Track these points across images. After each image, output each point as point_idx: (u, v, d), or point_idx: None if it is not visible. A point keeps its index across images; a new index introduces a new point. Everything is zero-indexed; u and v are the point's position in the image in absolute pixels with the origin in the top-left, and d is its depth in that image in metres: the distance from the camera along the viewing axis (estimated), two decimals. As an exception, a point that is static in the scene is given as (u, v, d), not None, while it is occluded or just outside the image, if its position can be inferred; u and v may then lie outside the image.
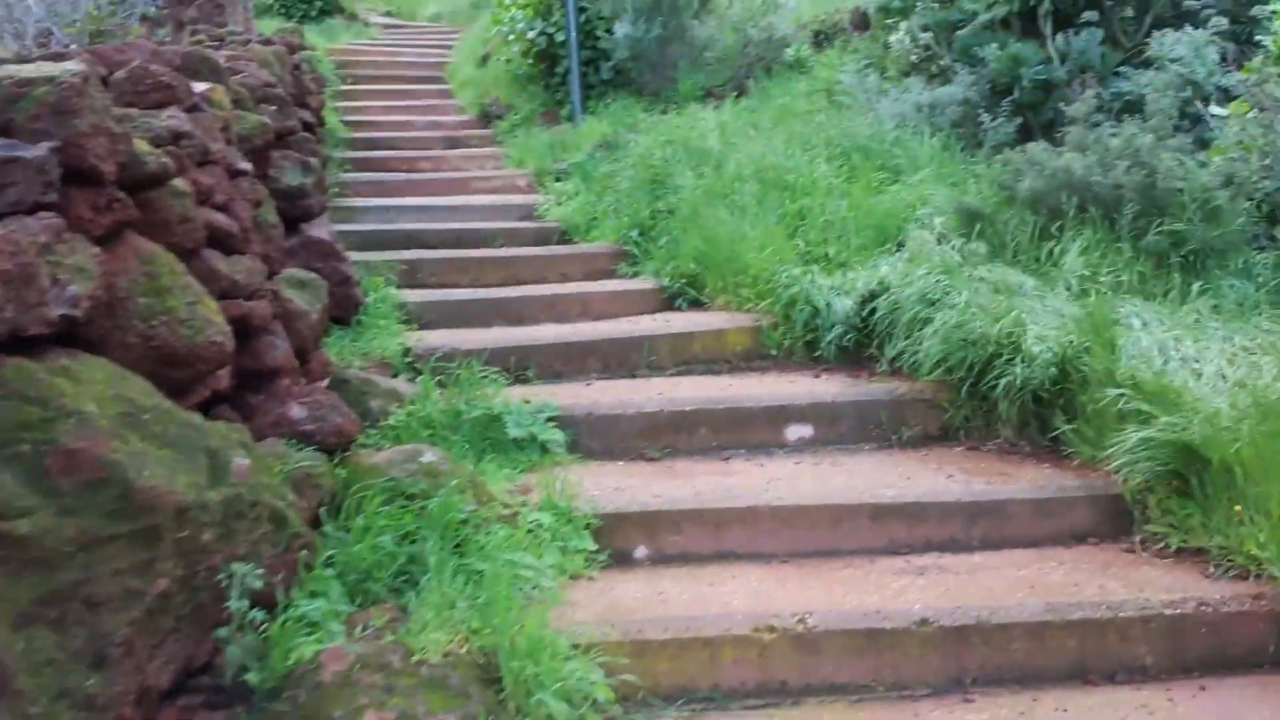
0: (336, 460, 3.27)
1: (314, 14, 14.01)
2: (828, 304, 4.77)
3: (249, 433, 3.00)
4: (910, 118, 6.80)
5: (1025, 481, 3.63)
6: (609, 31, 9.45)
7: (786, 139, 6.68)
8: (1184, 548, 3.25)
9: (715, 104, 8.63)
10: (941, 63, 7.38)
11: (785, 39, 9.07)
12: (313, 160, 4.83)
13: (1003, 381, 3.89)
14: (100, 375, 2.55)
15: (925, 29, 7.31)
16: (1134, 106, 5.89)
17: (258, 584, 2.66)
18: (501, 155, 9.51)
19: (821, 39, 9.42)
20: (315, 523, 3.11)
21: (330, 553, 3.03)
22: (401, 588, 3.04)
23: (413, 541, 3.08)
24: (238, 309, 3.30)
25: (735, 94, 8.70)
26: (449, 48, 13.43)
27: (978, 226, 5.18)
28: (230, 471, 2.63)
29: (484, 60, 11.88)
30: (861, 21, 9.40)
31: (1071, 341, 3.83)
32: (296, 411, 3.21)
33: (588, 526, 3.35)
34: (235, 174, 3.69)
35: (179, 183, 3.11)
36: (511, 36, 10.33)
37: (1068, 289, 4.53)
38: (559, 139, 9.21)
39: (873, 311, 4.58)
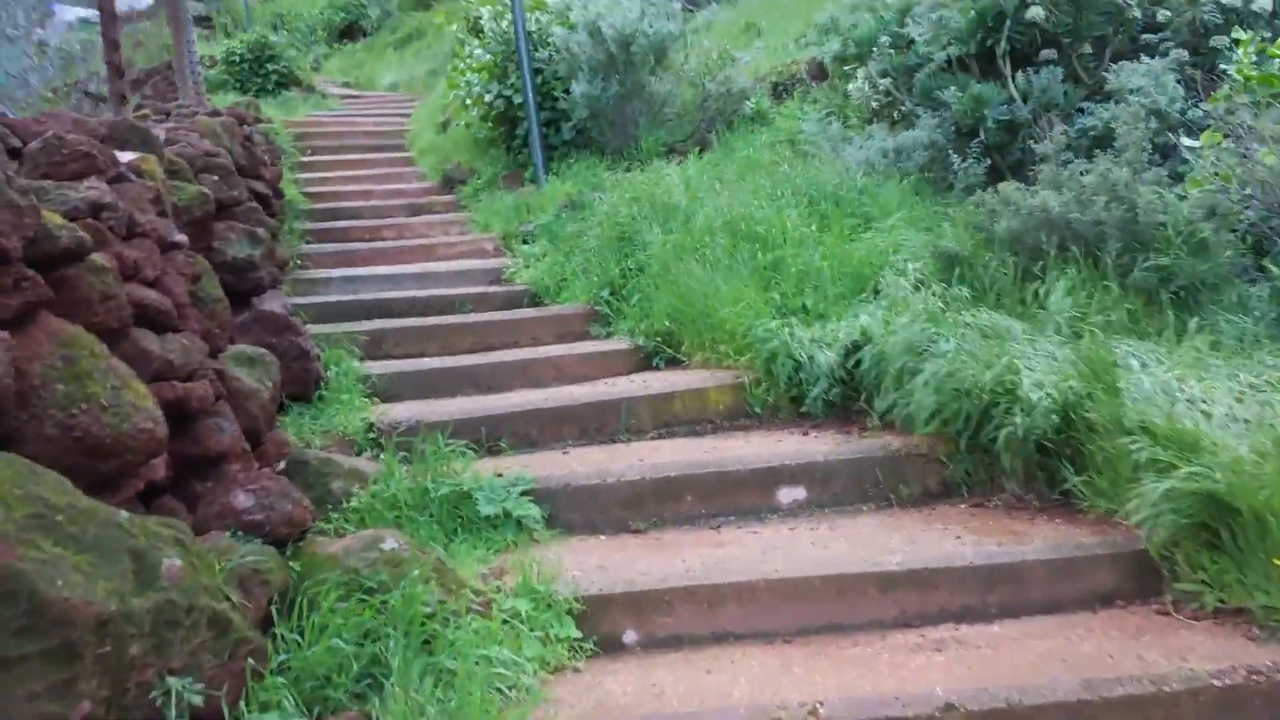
0: (289, 551, 2.91)
1: (270, 87, 13.79)
2: (810, 357, 4.49)
3: (189, 526, 2.65)
4: (877, 164, 6.62)
5: (1040, 540, 3.33)
6: (566, 92, 9.27)
7: (754, 191, 6.46)
8: (1222, 608, 2.95)
9: (679, 159, 8.44)
10: (903, 108, 7.23)
11: (744, 92, 8.92)
12: (261, 231, 4.52)
13: (1003, 433, 3.60)
14: (7, 473, 2.20)
15: (884, 74, 7.17)
16: (1102, 141, 5.73)
17: (198, 699, 2.32)
18: (466, 220, 9.25)
19: (781, 90, 9.28)
20: (265, 624, 2.75)
21: (283, 658, 2.67)
22: (365, 692, 2.68)
23: (375, 640, 2.73)
24: (172, 391, 2.96)
25: (698, 149, 8.52)
26: (407, 115, 13.25)
27: (957, 270, 4.95)
28: (160, 574, 2.28)
29: (444, 126, 11.69)
30: (819, 71, 9.30)
31: (1072, 387, 3.56)
32: (243, 500, 2.86)
33: (570, 611, 3.00)
34: (169, 247, 3.37)
35: (98, 258, 2.80)
36: (469, 101, 10.13)
37: (1057, 331, 4.29)
38: (524, 201, 8.97)
39: (858, 363, 4.30)
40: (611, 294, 6.26)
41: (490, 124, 10.19)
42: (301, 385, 4.60)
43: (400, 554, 2.83)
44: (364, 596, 2.71)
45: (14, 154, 3.25)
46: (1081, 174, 4.90)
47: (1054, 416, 3.57)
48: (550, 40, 9.45)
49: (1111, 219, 4.63)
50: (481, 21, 9.97)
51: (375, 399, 4.97)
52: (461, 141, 10.89)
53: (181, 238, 3.39)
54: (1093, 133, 5.79)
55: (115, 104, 6.29)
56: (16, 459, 2.27)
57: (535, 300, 6.99)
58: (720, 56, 9.11)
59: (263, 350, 3.82)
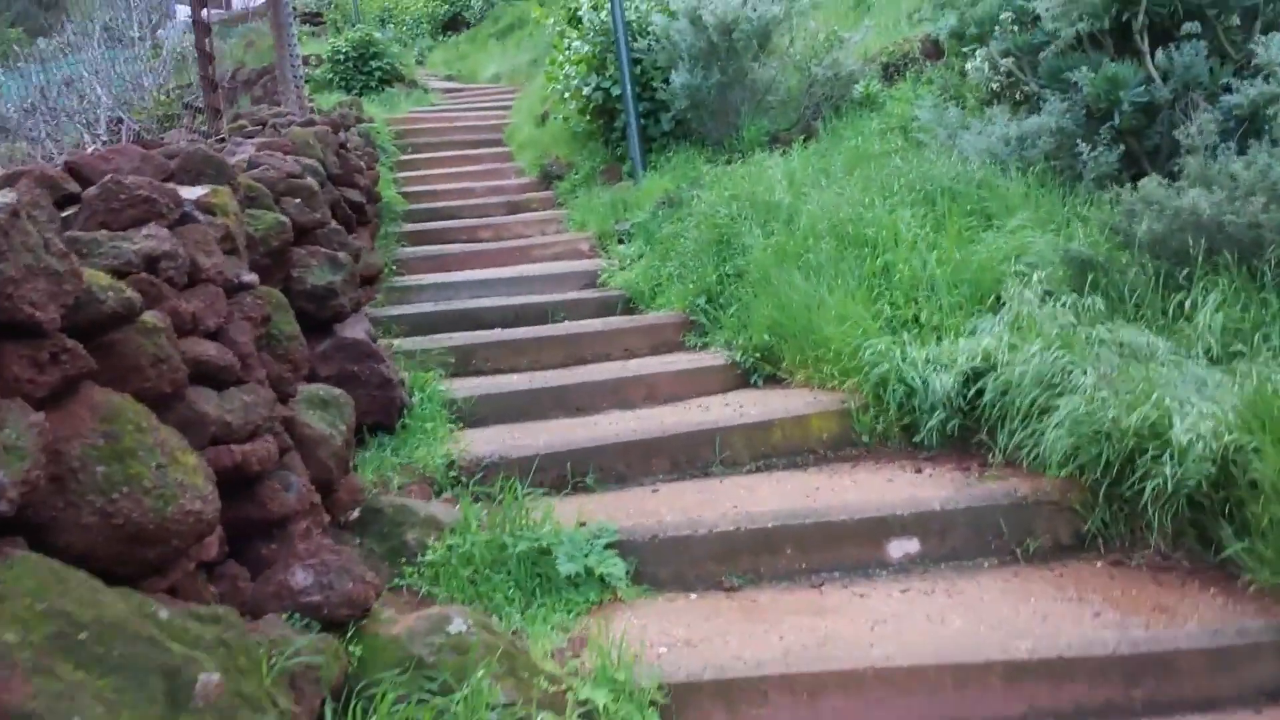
0: (351, 631, 2.69)
1: (374, 84, 13.81)
2: (924, 382, 4.07)
3: (238, 616, 2.45)
4: (998, 153, 6.07)
5: (1194, 622, 2.85)
6: (666, 82, 8.91)
7: (862, 186, 6.01)
8: None
9: (782, 150, 8.01)
10: (1026, 89, 6.64)
11: (853, 75, 8.41)
12: (343, 256, 4.33)
13: (1149, 484, 3.13)
14: (30, 583, 2.01)
15: (1006, 54, 6.58)
16: (1250, 122, 5.11)
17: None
18: (563, 218, 9.02)
19: (892, 71, 8.72)
20: (320, 725, 2.53)
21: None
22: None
23: (439, 744, 2.48)
24: (230, 457, 2.76)
25: (803, 137, 8.07)
26: (508, 108, 13.08)
27: (1090, 277, 4.43)
28: (194, 694, 2.07)
29: (543, 119, 11.47)
30: (934, 50, 8.69)
31: (1233, 438, 3.06)
32: (300, 578, 2.64)
33: (654, 703, 2.69)
34: (236, 289, 3.18)
35: (151, 317, 2.60)
36: (567, 94, 9.87)
37: (1207, 353, 3.76)
38: (621, 197, 8.68)
39: (979, 392, 3.86)
40: (708, 302, 5.92)
41: (588, 117, 9.92)
42: (384, 414, 4.41)
43: (467, 639, 2.58)
44: (425, 695, 2.46)
45: (72, 199, 3.11)
46: (1240, 167, 4.32)
47: (1208, 465, 3.09)
48: (650, 29, 9.09)
49: (1271, 221, 4.05)
50: (580, 12, 9.67)
51: (461, 424, 4.76)
52: (560, 135, 10.66)
53: (251, 278, 3.19)
54: (1238, 113, 5.15)
55: (210, 118, 6.24)
56: (43, 563, 2.08)
57: (630, 306, 6.70)
58: (827, 38, 8.61)
59: (337, 391, 3.62)
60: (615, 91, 9.27)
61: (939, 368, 4.11)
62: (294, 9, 9.38)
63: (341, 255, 4.31)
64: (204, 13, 6.23)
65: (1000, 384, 3.71)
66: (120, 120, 14.35)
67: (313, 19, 25.31)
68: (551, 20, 11.12)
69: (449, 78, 16.96)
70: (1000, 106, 6.76)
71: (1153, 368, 3.66)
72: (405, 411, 4.54)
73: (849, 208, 5.67)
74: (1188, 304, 4.01)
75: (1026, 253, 4.86)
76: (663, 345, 5.97)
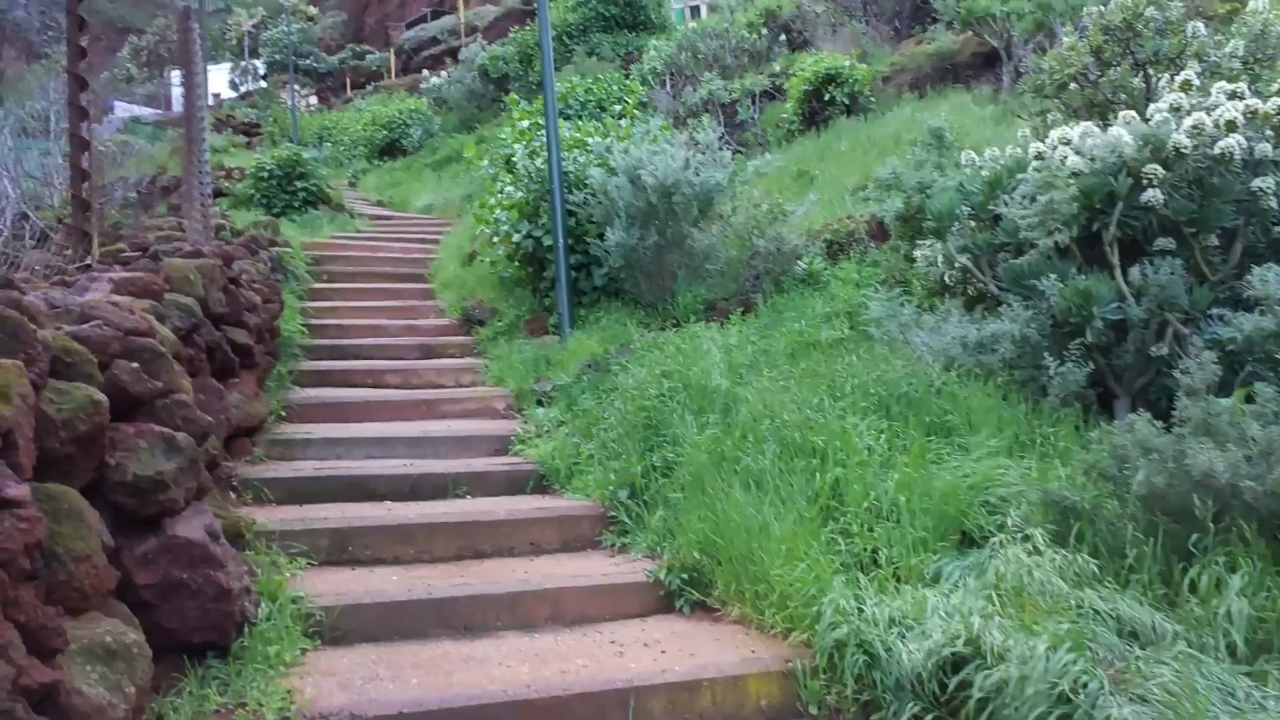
0: None
1: (298, 204, 13.05)
2: (888, 650, 3.28)
3: None
4: (954, 355, 5.50)
5: None
6: (600, 237, 8.33)
7: (809, 382, 5.35)
8: None
9: (720, 321, 7.39)
10: (982, 288, 6.17)
11: (796, 250, 7.91)
12: (181, 437, 3.41)
13: None
14: None
15: (963, 250, 6.12)
16: (1238, 357, 4.62)
17: None
18: (480, 368, 8.23)
19: (836, 249, 8.27)
20: None
21: None
22: None
23: None
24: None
25: (741, 310, 7.47)
26: (437, 241, 12.40)
27: (1075, 527, 3.77)
28: None
29: (470, 259, 10.80)
30: (879, 231, 8.30)
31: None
32: None
33: None
34: (2, 504, 2.27)
35: None
36: (496, 238, 9.23)
37: (1231, 653, 3.06)
38: (544, 354, 7.94)
39: (962, 682, 3.08)
40: (631, 496, 5.11)
41: (518, 264, 9.27)
42: (218, 631, 3.43)
43: None
44: None
45: None
46: (1250, 430, 3.72)
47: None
48: (587, 182, 8.55)
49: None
50: (514, 158, 9.11)
51: (318, 640, 3.79)
52: (486, 278, 9.97)
53: (16, 491, 2.29)
54: (1230, 347, 4.66)
55: (76, 242, 5.35)
56: None
57: (542, 484, 5.87)
58: (771, 210, 8.14)
59: (131, 638, 2.65)
60: (547, 241, 8.65)
61: (906, 631, 3.33)
62: (207, 122, 8.64)
63: (181, 436, 3.40)
64: (84, 126, 5.41)
65: (993, 683, 2.93)
66: (26, 216, 13.28)
67: (249, 130, 24.71)
68: (485, 161, 10.58)
69: (380, 203, 16.32)
70: (952, 301, 6.26)
71: (1166, 661, 2.95)
72: (247, 628, 3.57)
73: (795, 408, 4.98)
74: (1201, 580, 3.33)
75: (997, 484, 4.19)
76: (576, 541, 5.12)
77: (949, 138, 8.60)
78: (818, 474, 4.36)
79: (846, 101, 12.02)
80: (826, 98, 12.03)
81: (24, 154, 13.80)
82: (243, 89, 35.90)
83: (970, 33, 12.46)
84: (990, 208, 5.95)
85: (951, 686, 3.05)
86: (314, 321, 9.23)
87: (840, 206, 9.21)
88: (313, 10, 43.04)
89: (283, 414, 6.84)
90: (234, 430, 5.87)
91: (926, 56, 12.56)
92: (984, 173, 6.28)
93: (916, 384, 5.11)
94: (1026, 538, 3.75)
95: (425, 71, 26.06)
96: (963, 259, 6.12)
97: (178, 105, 36.72)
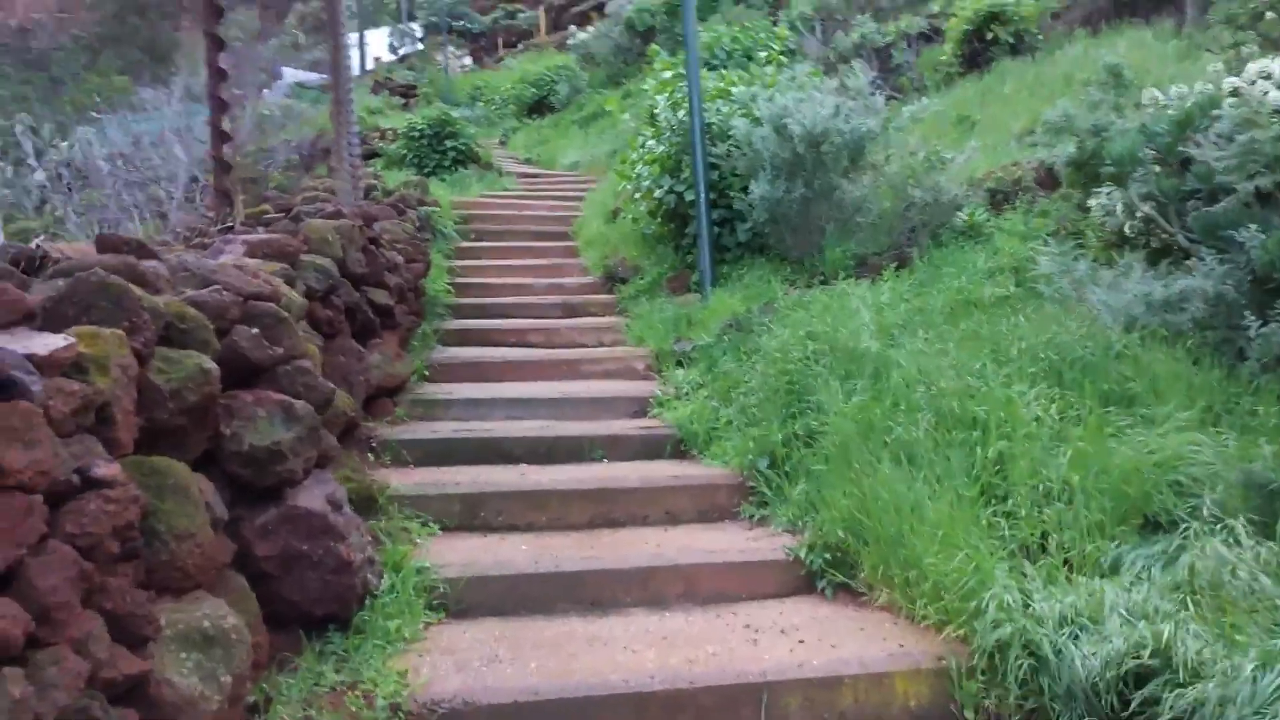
0: None
1: (448, 164, 13.12)
2: (1058, 653, 2.88)
3: None
4: (1136, 315, 4.91)
5: None
6: (744, 190, 7.94)
7: (970, 345, 4.88)
8: None
9: (871, 278, 6.93)
10: (1165, 237, 5.51)
11: (955, 200, 7.32)
12: (300, 406, 3.30)
13: None
14: None
15: (1147, 198, 5.46)
16: None
17: None
18: (622, 327, 8.02)
19: (1000, 199, 7.61)
20: None
21: None
22: None
23: None
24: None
25: (895, 265, 6.96)
26: (582, 198, 12.25)
27: (1284, 513, 3.24)
28: None
29: (613, 216, 10.58)
30: (1048, 178, 7.60)
31: None
32: None
33: None
34: (73, 491, 2.14)
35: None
36: (638, 194, 8.96)
37: None
38: (685, 313, 7.66)
39: (1149, 697, 2.65)
40: (771, 466, 4.80)
41: (659, 220, 8.98)
42: (339, 604, 3.35)
43: None
44: None
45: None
46: None
47: None
48: (730, 134, 8.16)
49: None
50: (656, 111, 8.79)
51: (442, 613, 3.68)
52: (629, 235, 9.73)
53: (106, 471, 2.18)
54: None
55: (218, 203, 5.39)
56: None
57: (680, 449, 5.62)
58: (927, 157, 7.56)
59: (230, 622, 2.54)
60: (689, 196, 8.33)
61: (1080, 631, 2.92)
62: (356, 85, 8.67)
63: (300, 405, 3.30)
64: (223, 88, 5.42)
65: (1187, 703, 2.50)
66: (196, 179, 13.91)
67: (406, 91, 25.21)
68: (628, 116, 10.29)
69: (527, 161, 16.31)
70: (1132, 254, 5.61)
71: None
72: (370, 600, 3.48)
73: (953, 373, 4.53)
74: None
75: (1188, 461, 3.67)
76: (713, 511, 4.86)
77: (1128, 75, 7.77)
78: (978, 448, 3.93)
79: (1011, 40, 11.11)
80: (989, 37, 11.15)
81: (193, 119, 14.42)
82: (401, 51, 36.74)
83: (1154, -40, 11.29)
84: (1180, 150, 5.27)
85: (1135, 703, 2.64)
86: (460, 280, 9.24)
87: (1004, 153, 8.49)
88: (467, -28, 43.55)
89: (426, 373, 6.83)
90: (375, 390, 5.86)
91: (1103, -12, 11.47)
92: (1170, 112, 5.58)
93: (1093, 347, 4.57)
94: (1225, 526, 3.25)
95: (573, 27, 25.93)
96: (1146, 207, 5.47)
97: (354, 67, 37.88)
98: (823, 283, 7.22)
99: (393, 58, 36.19)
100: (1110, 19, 10.87)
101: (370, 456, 5.32)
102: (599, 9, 25.74)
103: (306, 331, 3.88)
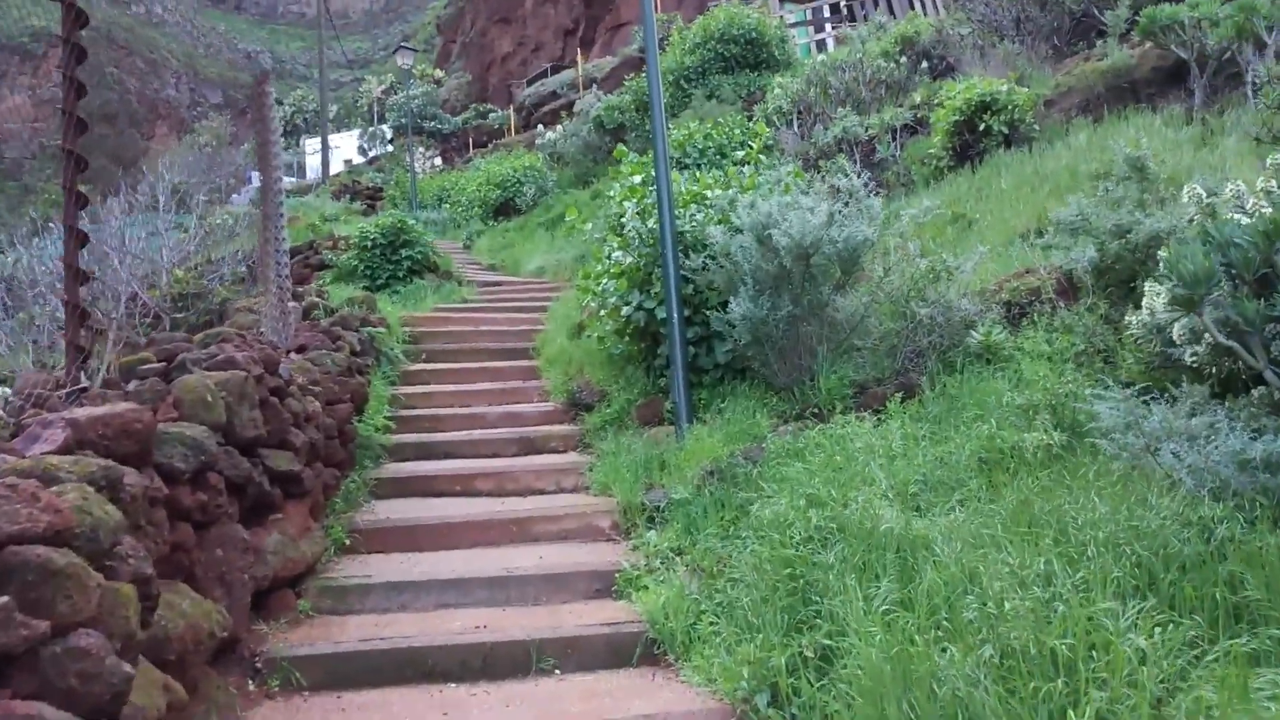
0: None
1: (403, 274, 12.07)
2: None
3: None
4: (1230, 478, 3.78)
5: None
6: (723, 306, 6.87)
7: (1020, 523, 3.72)
8: None
9: (873, 410, 5.82)
10: (1238, 367, 4.44)
11: (967, 318, 6.25)
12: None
13: None
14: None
15: (1224, 323, 4.38)
16: None
17: None
18: (584, 468, 6.84)
19: (1015, 313, 6.57)
20: None
21: None
22: None
23: None
24: None
25: (901, 395, 5.85)
26: (545, 309, 11.18)
27: None
28: None
29: (578, 330, 9.49)
30: (1068, 288, 6.58)
31: None
32: None
33: None
34: None
35: None
36: (604, 311, 7.88)
37: None
38: (658, 452, 6.50)
39: None
40: (773, 702, 3.58)
41: (628, 339, 7.89)
42: None
43: None
44: None
45: None
46: None
47: None
48: (707, 243, 7.13)
49: None
50: (623, 220, 7.77)
51: None
52: (594, 354, 8.63)
53: None
54: None
55: (69, 360, 4.22)
56: None
57: (653, 653, 4.39)
58: (932, 268, 6.51)
59: None
60: (660, 314, 7.25)
61: None
62: (284, 193, 7.61)
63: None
64: (81, 216, 4.29)
65: None
66: (136, 295, 12.75)
67: (373, 195, 24.40)
68: (589, 225, 9.28)
69: (491, 266, 15.30)
70: (1193, 386, 4.52)
71: None
72: None
73: (1008, 573, 3.36)
74: None
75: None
76: (698, 764, 3.62)
77: (1152, 168, 6.82)
78: (1069, 711, 2.73)
79: (1005, 131, 10.25)
80: (981, 128, 10.29)
81: (128, 232, 13.34)
82: (371, 153, 36.23)
83: (1150, 44, 10.54)
84: (1264, 267, 4.22)
85: None
86: (404, 412, 8.07)
87: (1010, 257, 7.50)
88: (439, 73, 43.54)
89: (347, 542, 5.60)
90: (271, 583, 4.63)
91: (1098, 75, 10.67)
92: (1245, 219, 4.55)
93: (1190, 535, 3.41)
94: None
95: (541, 127, 25.34)
96: (1220, 336, 4.39)
97: (313, 173, 37.39)
98: (816, 416, 6.10)
99: (362, 159, 35.68)
100: (1111, 105, 10.05)
101: (251, 684, 4.06)
102: (569, 108, 25.20)
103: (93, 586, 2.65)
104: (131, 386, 4.27)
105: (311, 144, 35.06)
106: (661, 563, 5.14)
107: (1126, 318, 5.39)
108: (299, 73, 61.29)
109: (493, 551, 5.60)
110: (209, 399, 4.25)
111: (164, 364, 4.83)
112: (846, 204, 6.74)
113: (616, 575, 5.10)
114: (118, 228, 13.96)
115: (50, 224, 15.32)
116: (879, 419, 5.67)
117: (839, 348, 6.58)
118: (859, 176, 7.25)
